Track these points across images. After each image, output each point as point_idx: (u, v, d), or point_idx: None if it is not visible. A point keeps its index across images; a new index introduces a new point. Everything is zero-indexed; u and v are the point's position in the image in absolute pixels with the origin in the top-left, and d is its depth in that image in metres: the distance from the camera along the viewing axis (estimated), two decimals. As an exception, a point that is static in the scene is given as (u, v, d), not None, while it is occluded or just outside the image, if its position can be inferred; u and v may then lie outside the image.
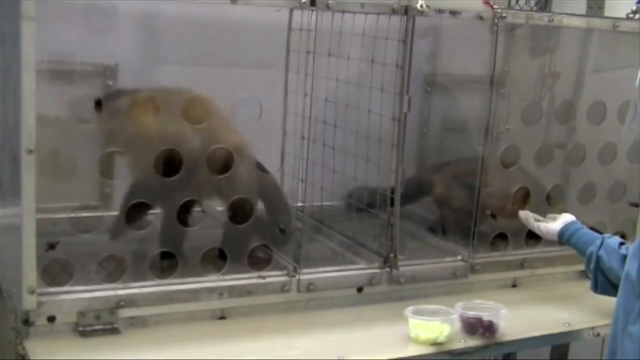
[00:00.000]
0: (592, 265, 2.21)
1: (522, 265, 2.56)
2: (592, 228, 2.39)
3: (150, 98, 2.20)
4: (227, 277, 2.15)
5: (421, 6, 2.22)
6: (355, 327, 2.16)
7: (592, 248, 2.23)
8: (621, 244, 2.18)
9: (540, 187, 2.66)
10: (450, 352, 2.05)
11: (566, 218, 2.41)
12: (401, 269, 2.34)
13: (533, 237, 2.59)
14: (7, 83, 2.03)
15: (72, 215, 2.31)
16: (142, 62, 2.59)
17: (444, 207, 2.78)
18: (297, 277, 2.21)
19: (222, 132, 2.27)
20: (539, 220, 2.47)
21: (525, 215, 2.51)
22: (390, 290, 2.34)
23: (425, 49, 2.90)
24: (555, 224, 2.40)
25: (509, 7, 2.82)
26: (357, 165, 2.57)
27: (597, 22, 2.66)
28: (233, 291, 2.14)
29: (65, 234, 2.25)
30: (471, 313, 2.11)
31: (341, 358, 1.94)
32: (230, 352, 1.94)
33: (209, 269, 2.15)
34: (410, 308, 2.08)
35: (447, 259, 2.47)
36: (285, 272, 2.21)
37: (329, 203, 2.70)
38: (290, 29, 2.53)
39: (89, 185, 2.53)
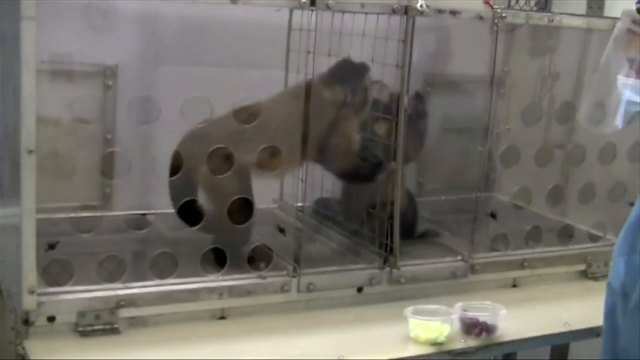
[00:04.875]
0: None
1: (522, 265, 2.56)
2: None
3: None
4: (227, 277, 2.15)
5: (421, 6, 2.23)
6: (355, 327, 2.16)
7: None
8: None
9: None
10: (450, 352, 2.05)
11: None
12: (401, 269, 2.34)
13: (533, 237, 2.60)
14: (7, 83, 2.03)
15: (72, 215, 2.32)
16: (142, 62, 2.59)
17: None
18: (297, 277, 2.21)
19: None
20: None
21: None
22: (390, 290, 2.34)
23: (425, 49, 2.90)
24: None
25: (509, 7, 2.82)
26: (357, 165, 2.58)
27: (597, 22, 2.66)
28: (233, 291, 2.14)
29: (65, 234, 2.25)
30: (469, 314, 2.11)
31: (341, 358, 1.94)
32: (230, 352, 1.95)
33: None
34: (410, 308, 2.08)
35: (447, 259, 2.47)
36: (285, 272, 2.21)
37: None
38: (290, 29, 2.53)
39: (89, 185, 2.53)
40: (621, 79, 1.67)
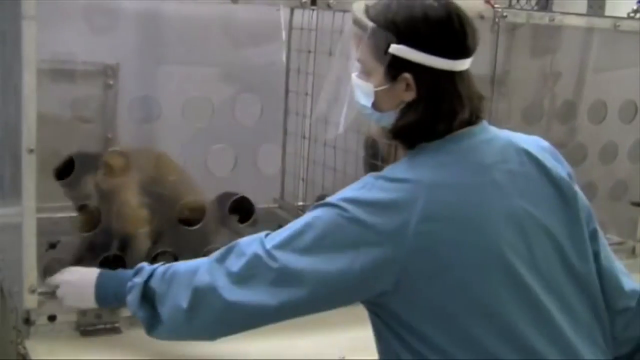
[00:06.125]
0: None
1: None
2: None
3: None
4: (227, 276, 2.14)
5: (422, 5, 2.22)
6: (357, 326, 2.15)
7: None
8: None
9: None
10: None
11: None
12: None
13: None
14: (8, 82, 2.03)
15: (73, 214, 2.31)
16: (143, 61, 2.59)
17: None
18: (298, 276, 2.20)
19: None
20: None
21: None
22: (391, 290, 2.33)
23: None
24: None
25: (510, 6, 2.82)
26: (357, 165, 2.57)
27: (598, 22, 2.66)
28: (234, 291, 2.13)
29: (65, 233, 2.25)
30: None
31: (343, 358, 1.94)
32: (230, 352, 1.94)
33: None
34: (411, 307, 2.07)
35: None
36: (286, 271, 2.21)
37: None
38: (290, 28, 2.53)
39: (90, 185, 2.53)
40: (354, 79, 1.60)
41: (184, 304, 1.63)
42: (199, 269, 1.64)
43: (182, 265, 1.69)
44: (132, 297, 1.73)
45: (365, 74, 1.57)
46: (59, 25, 2.22)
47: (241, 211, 2.33)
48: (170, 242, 2.14)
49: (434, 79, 1.51)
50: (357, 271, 1.50)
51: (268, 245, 1.56)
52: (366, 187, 1.52)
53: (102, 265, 2.03)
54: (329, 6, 2.17)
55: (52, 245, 2.24)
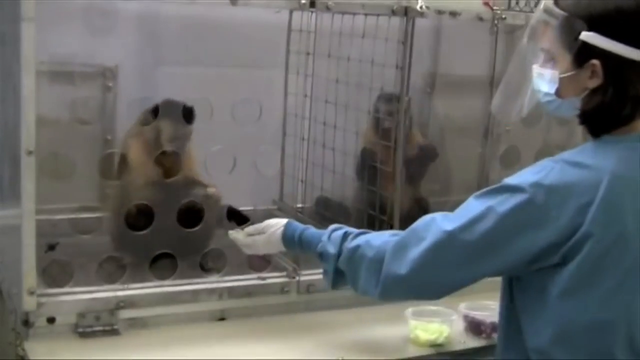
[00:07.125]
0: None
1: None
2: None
3: None
4: (227, 278, 2.15)
5: (421, 7, 2.23)
6: (355, 328, 2.16)
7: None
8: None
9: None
10: (450, 353, 2.05)
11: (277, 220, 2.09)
12: (401, 270, 2.33)
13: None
14: (7, 84, 2.03)
15: (72, 216, 2.32)
16: (142, 63, 2.59)
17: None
18: (297, 278, 2.21)
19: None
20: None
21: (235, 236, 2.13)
22: (390, 291, 2.33)
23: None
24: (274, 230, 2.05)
25: (509, 8, 2.82)
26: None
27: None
28: (233, 292, 2.14)
29: (65, 235, 2.26)
30: (476, 313, 2.11)
31: (341, 359, 1.94)
32: (229, 354, 1.94)
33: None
34: (410, 309, 2.08)
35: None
36: (285, 273, 2.21)
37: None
38: (290, 30, 2.53)
39: (89, 186, 2.53)
40: (536, 69, 1.68)
41: (374, 291, 1.78)
42: (385, 255, 1.74)
43: (368, 248, 1.79)
44: (326, 275, 1.92)
45: (550, 62, 1.64)
46: (58, 27, 2.22)
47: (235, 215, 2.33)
48: (171, 243, 2.14)
49: (621, 67, 1.57)
50: (534, 251, 1.57)
51: (449, 227, 1.64)
52: (545, 170, 1.58)
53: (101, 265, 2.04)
54: (327, 8, 2.17)
55: (51, 247, 2.24)
